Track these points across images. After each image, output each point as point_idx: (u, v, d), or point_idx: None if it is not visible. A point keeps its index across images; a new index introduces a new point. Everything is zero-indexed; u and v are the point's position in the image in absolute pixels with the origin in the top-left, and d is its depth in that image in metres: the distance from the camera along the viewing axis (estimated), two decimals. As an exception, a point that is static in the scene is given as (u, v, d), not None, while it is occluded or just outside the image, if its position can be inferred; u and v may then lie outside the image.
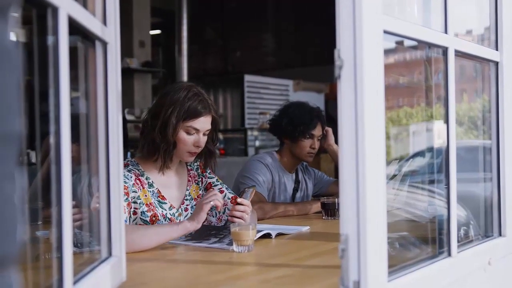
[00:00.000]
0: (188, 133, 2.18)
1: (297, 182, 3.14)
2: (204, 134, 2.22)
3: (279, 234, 2.17)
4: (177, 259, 1.80)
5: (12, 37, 0.59)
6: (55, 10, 0.99)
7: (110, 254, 1.37)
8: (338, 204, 2.64)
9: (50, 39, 1.02)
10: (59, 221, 1.00)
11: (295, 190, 3.12)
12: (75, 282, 1.08)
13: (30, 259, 1.21)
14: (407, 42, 1.53)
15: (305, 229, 2.33)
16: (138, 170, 2.20)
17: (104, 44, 1.34)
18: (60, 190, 1.00)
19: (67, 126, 1.02)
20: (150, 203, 2.17)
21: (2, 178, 0.56)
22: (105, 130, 1.36)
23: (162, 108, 2.16)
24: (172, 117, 2.14)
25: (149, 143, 2.19)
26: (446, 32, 1.51)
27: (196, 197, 2.35)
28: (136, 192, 2.13)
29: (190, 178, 2.37)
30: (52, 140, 1.01)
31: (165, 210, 2.21)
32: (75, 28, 1.11)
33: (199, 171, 2.41)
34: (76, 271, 1.09)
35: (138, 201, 2.14)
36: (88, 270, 1.22)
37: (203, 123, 2.20)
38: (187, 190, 2.34)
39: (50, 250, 1.45)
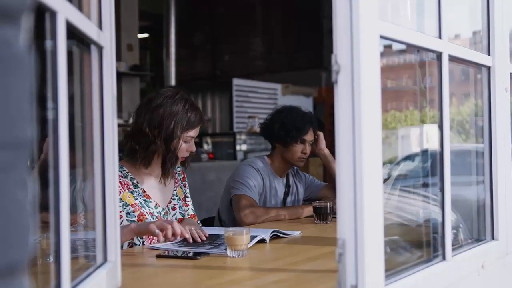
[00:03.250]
0: (185, 141, 2.29)
1: (287, 186, 3.14)
2: (195, 139, 2.35)
3: (273, 237, 2.18)
4: (171, 264, 1.79)
5: (24, 43, 0.58)
6: (53, 14, 0.98)
7: (105, 259, 1.36)
8: (330, 208, 2.64)
9: (47, 43, 1.01)
10: (57, 226, 1.00)
11: (286, 194, 3.12)
12: (72, 288, 1.08)
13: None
14: (395, 46, 1.54)
15: (297, 233, 2.34)
16: (121, 172, 2.23)
17: (100, 48, 1.34)
18: (58, 195, 0.99)
19: (65, 130, 1.01)
20: (135, 203, 2.23)
21: (15, 184, 0.55)
22: (100, 135, 1.35)
23: (163, 120, 2.22)
24: (176, 130, 2.23)
25: (151, 154, 2.25)
26: (440, 37, 1.52)
27: (181, 198, 2.45)
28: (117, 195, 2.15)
29: (176, 180, 2.46)
30: (50, 145, 1.00)
31: (151, 208, 2.27)
32: (71, 32, 1.10)
33: (181, 177, 2.51)
34: (71, 277, 1.08)
35: (121, 203, 2.18)
36: (84, 276, 1.21)
37: (198, 130, 2.33)
38: (174, 190, 2.42)
39: (43, 255, 1.44)
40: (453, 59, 1.59)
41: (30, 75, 0.58)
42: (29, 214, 0.58)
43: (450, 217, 1.53)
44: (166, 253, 1.90)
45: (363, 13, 1.16)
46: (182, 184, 2.48)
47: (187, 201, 2.50)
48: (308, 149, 3.02)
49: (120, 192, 2.19)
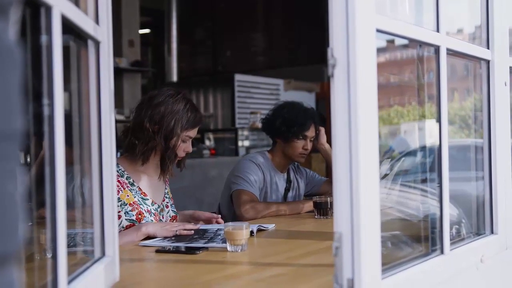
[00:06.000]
0: (183, 141, 2.31)
1: (288, 181, 3.14)
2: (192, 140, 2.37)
3: (259, 230, 2.24)
4: (170, 259, 1.80)
5: (13, 36, 0.59)
6: (48, 9, 0.98)
7: (103, 254, 1.37)
8: (330, 203, 2.64)
9: (43, 38, 1.01)
10: (53, 221, 1.00)
11: (287, 189, 3.12)
12: (69, 282, 1.08)
13: (23, 259, 1.20)
14: (398, 41, 1.53)
15: (271, 226, 2.37)
16: (118, 171, 2.24)
17: (97, 43, 1.34)
18: (54, 190, 1.00)
19: (60, 126, 1.01)
20: (133, 202, 2.26)
21: (5, 176, 0.56)
22: (97, 130, 1.35)
23: (164, 117, 2.25)
24: (176, 128, 2.26)
25: (149, 150, 2.27)
26: (438, 30, 1.51)
27: (171, 197, 2.49)
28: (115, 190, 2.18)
29: (167, 180, 2.49)
30: (45, 140, 1.00)
31: (149, 206, 2.30)
32: (67, 27, 1.10)
33: (168, 177, 2.53)
34: (69, 271, 1.09)
35: (119, 203, 2.20)
36: (81, 270, 1.22)
37: (196, 131, 2.36)
38: (166, 189, 2.47)
39: (41, 250, 1.44)
40: (451, 53, 1.59)
41: (19, 68, 0.58)
42: (19, 206, 0.58)
43: (448, 211, 1.53)
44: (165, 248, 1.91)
45: (359, 6, 1.16)
46: (169, 184, 2.54)
47: (171, 203, 2.53)
48: (309, 145, 3.02)
49: (118, 191, 2.20)
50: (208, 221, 2.42)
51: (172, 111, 2.26)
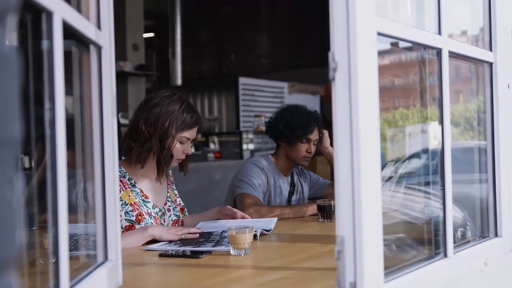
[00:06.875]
0: (181, 142, 2.32)
1: (292, 185, 3.14)
2: (191, 142, 2.37)
3: (262, 234, 2.22)
4: (173, 263, 1.80)
5: (11, 42, 0.59)
6: (49, 14, 0.99)
7: (106, 258, 1.37)
8: (334, 206, 2.63)
9: (44, 43, 1.01)
10: (55, 226, 1.00)
11: (291, 193, 3.12)
12: (71, 287, 1.08)
13: (26, 264, 1.20)
14: (402, 44, 1.53)
15: (274, 221, 2.40)
16: (120, 172, 2.25)
17: (99, 48, 1.34)
18: (56, 195, 1.00)
19: (62, 130, 1.01)
20: (134, 203, 2.26)
21: (2, 182, 0.56)
22: (100, 134, 1.36)
23: (159, 118, 2.26)
24: (171, 129, 2.26)
25: (146, 151, 2.28)
26: (440, 33, 1.51)
27: (173, 200, 2.48)
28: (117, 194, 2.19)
29: (169, 183, 2.50)
30: (47, 145, 1.00)
31: (149, 208, 2.31)
32: (69, 32, 1.11)
33: (172, 179, 2.54)
34: (72, 276, 1.09)
35: (120, 203, 2.21)
36: (84, 275, 1.22)
37: (194, 132, 2.36)
38: (168, 192, 2.46)
39: (45, 255, 1.45)
40: (453, 55, 1.58)
41: (17, 74, 0.59)
42: (16, 212, 0.59)
43: (451, 214, 1.52)
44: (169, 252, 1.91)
45: (360, 9, 1.16)
46: (173, 187, 2.53)
47: (179, 203, 2.53)
48: (312, 148, 3.01)
49: (120, 191, 2.21)
50: (232, 217, 2.44)
51: (167, 112, 2.26)
